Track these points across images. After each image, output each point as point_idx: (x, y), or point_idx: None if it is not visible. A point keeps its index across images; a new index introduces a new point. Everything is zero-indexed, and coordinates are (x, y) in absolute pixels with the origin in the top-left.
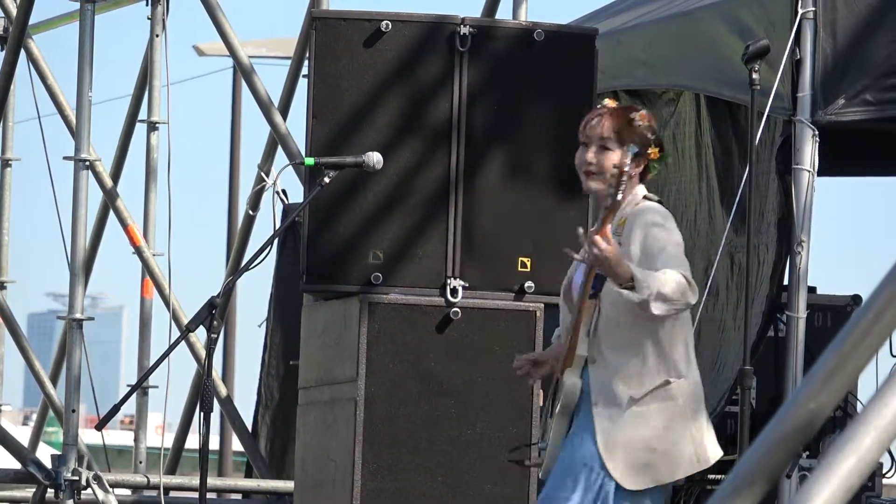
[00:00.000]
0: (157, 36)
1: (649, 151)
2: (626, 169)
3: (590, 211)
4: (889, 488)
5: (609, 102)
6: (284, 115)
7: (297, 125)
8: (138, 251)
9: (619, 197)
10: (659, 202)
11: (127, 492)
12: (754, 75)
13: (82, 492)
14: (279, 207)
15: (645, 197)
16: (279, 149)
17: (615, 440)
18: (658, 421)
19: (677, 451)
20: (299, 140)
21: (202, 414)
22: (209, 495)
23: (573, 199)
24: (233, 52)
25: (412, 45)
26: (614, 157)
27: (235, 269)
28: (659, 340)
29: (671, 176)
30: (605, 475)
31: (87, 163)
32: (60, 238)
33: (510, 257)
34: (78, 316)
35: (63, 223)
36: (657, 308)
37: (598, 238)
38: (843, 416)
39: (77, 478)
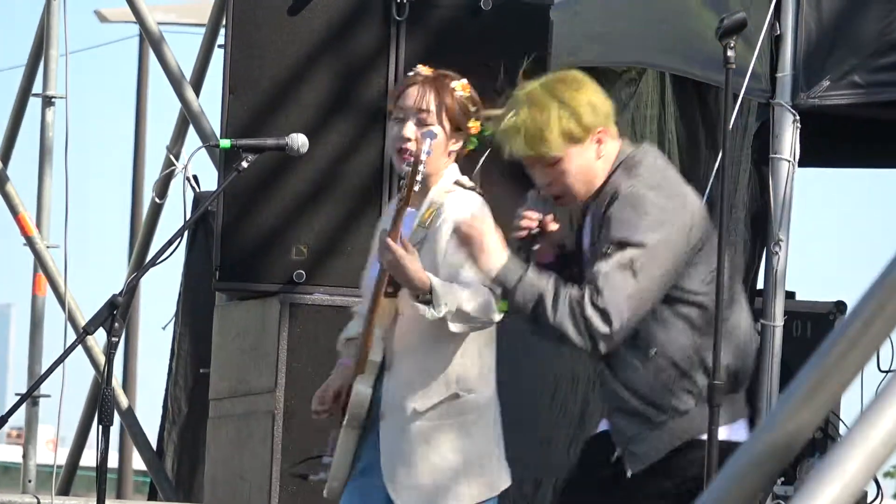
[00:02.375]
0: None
1: (470, 125)
2: (423, 159)
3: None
4: None
5: (423, 69)
6: (197, 90)
7: (211, 102)
8: (30, 242)
9: (416, 188)
10: (472, 189)
11: None
12: (729, 52)
13: None
14: (190, 195)
15: (456, 182)
16: (191, 128)
17: (400, 475)
18: (444, 441)
19: (464, 477)
20: (214, 119)
21: (100, 427)
22: None
23: (525, 187)
24: (139, 18)
25: (343, 12)
26: (436, 132)
27: (140, 264)
28: (452, 352)
29: None
30: None
31: None
32: None
33: None
34: None
35: None
36: (456, 326)
37: (391, 243)
38: (823, 439)
39: None
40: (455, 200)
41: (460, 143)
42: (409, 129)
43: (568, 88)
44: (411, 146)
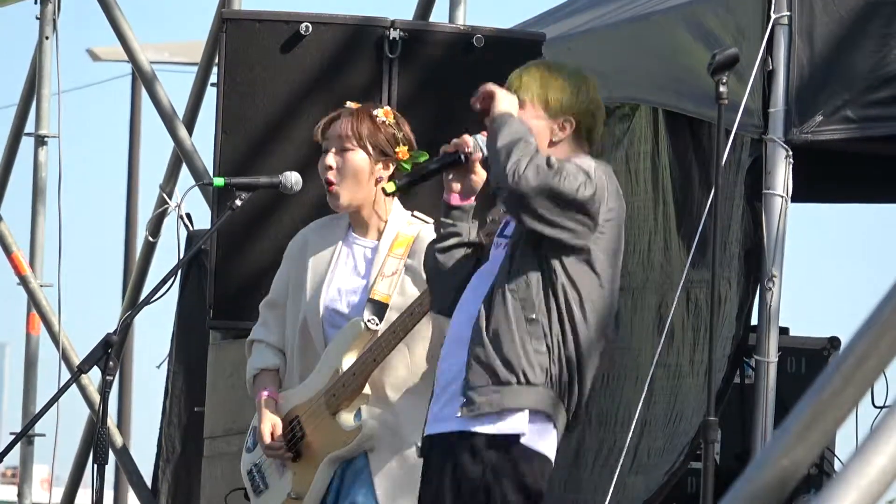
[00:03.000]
0: (47, 38)
1: (397, 151)
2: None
3: None
4: None
5: (350, 104)
6: (190, 128)
7: (204, 140)
8: (23, 281)
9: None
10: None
11: None
12: (721, 88)
13: None
14: (183, 234)
15: (414, 215)
16: (184, 167)
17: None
18: None
19: None
20: (207, 157)
21: (95, 466)
22: None
23: None
24: (132, 57)
25: (335, 50)
26: (356, 157)
27: (134, 302)
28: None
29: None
30: None
31: None
32: None
33: None
34: None
35: None
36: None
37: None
38: (818, 475)
39: None
40: (431, 233)
41: (390, 170)
42: (330, 158)
43: (572, 72)
44: (331, 175)
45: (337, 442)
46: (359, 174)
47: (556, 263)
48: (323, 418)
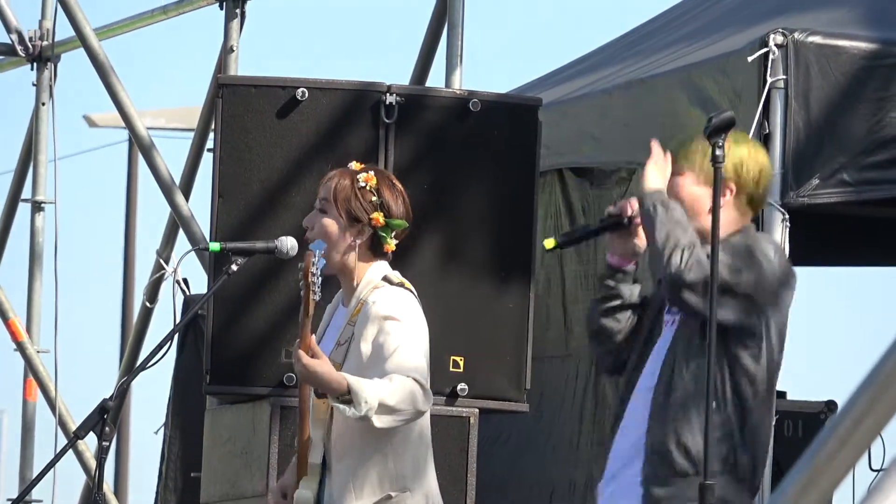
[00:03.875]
0: (44, 104)
1: (372, 216)
2: (313, 271)
3: (531, 301)
4: None
5: (354, 165)
6: (187, 194)
7: (200, 206)
8: (20, 347)
9: (317, 298)
10: (401, 285)
11: None
12: (718, 151)
13: None
14: (180, 299)
15: (385, 278)
16: (180, 232)
17: None
18: None
19: None
20: (203, 222)
21: None
22: None
23: (513, 288)
24: (129, 124)
25: (332, 115)
26: (327, 222)
27: (130, 368)
28: (385, 451)
29: None
30: None
31: None
32: None
33: (441, 355)
34: None
35: None
36: (381, 421)
37: (297, 353)
38: None
39: None
40: (382, 296)
41: (365, 235)
42: (308, 217)
43: (752, 145)
44: (308, 234)
45: None
46: (329, 239)
47: (726, 346)
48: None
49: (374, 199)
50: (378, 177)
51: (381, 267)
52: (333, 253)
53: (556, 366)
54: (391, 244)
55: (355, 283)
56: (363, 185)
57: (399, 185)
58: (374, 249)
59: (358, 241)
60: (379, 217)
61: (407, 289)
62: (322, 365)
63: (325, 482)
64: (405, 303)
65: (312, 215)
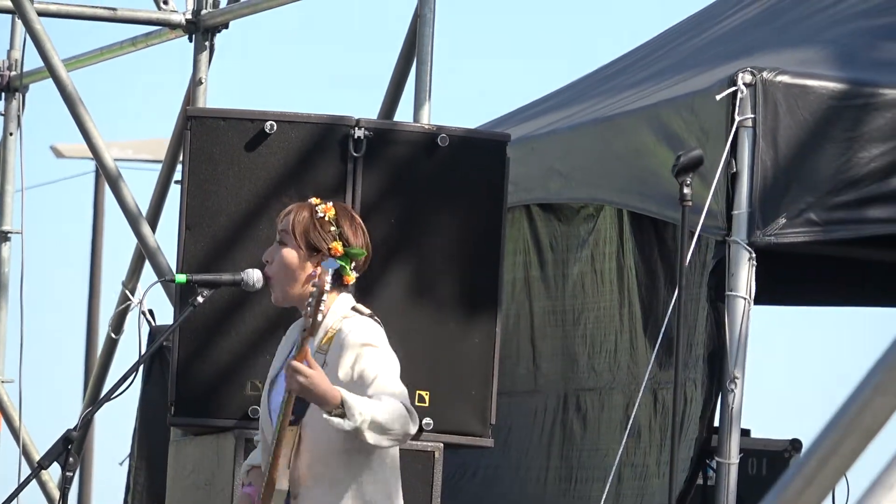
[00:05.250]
0: (11, 134)
1: (330, 247)
2: (327, 288)
3: (497, 336)
4: None
5: (314, 200)
6: (154, 225)
7: (167, 237)
8: None
9: (320, 318)
10: (371, 316)
11: None
12: (685, 190)
13: None
14: (145, 330)
15: (354, 308)
16: (147, 264)
17: None
18: None
19: None
20: (170, 254)
21: None
22: None
23: (479, 324)
24: (96, 155)
25: (300, 148)
26: (287, 253)
27: (95, 398)
28: (360, 479)
29: (588, 301)
30: None
31: None
32: None
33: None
34: None
35: None
36: (372, 437)
37: (298, 365)
38: None
39: None
40: (354, 325)
41: (318, 268)
42: (268, 252)
43: None
44: (268, 270)
45: None
46: (289, 270)
47: None
48: None
49: (332, 228)
50: (336, 208)
51: (347, 299)
52: (294, 284)
53: (524, 401)
54: (351, 276)
55: (322, 311)
56: (322, 215)
57: (358, 218)
58: (335, 281)
59: (318, 271)
60: (338, 246)
61: (376, 321)
62: (322, 377)
63: None
64: (379, 332)
65: (272, 249)
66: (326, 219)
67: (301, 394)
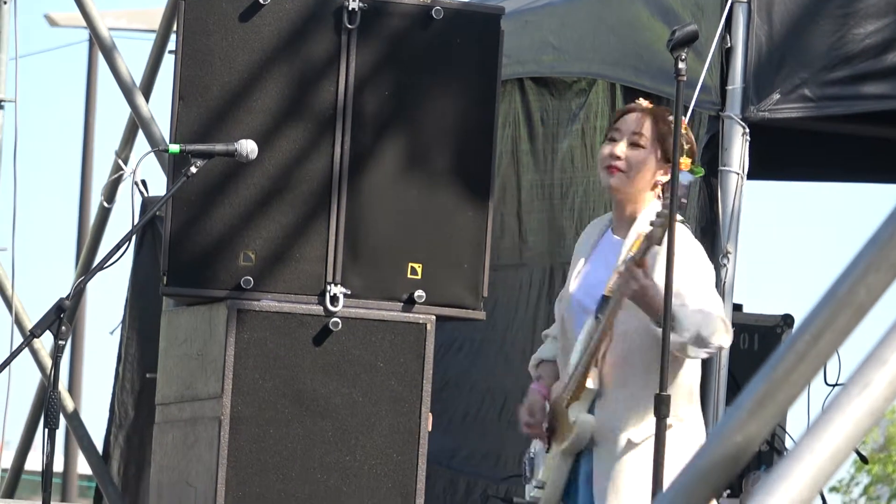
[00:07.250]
0: (5, 3)
1: (681, 161)
2: (684, 201)
3: (490, 210)
4: None
5: (643, 102)
6: (147, 96)
7: (161, 108)
8: None
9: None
10: (682, 223)
11: None
12: (680, 64)
13: None
14: (138, 200)
15: (659, 214)
16: (140, 134)
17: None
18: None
19: None
20: (163, 124)
21: (46, 431)
22: None
23: (472, 197)
24: (90, 24)
25: (294, 20)
26: (642, 156)
27: (87, 268)
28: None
29: (577, 176)
30: None
31: None
32: None
33: (399, 262)
34: None
35: None
36: (694, 351)
37: (637, 271)
38: (770, 452)
39: None
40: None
41: (667, 176)
42: (620, 148)
43: None
44: (619, 164)
45: (563, 437)
46: (643, 172)
47: None
48: (560, 412)
49: (685, 145)
50: (687, 126)
51: (657, 205)
52: (637, 184)
53: (509, 274)
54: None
55: (634, 215)
56: (680, 129)
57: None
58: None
59: (663, 180)
60: (687, 163)
61: (686, 225)
62: (657, 288)
63: (594, 408)
64: (696, 241)
65: (621, 146)
66: (685, 134)
67: (634, 299)
